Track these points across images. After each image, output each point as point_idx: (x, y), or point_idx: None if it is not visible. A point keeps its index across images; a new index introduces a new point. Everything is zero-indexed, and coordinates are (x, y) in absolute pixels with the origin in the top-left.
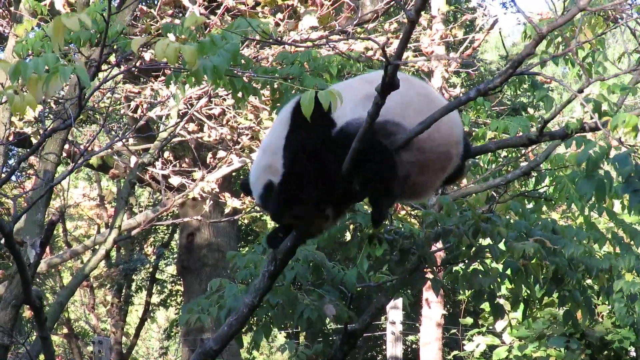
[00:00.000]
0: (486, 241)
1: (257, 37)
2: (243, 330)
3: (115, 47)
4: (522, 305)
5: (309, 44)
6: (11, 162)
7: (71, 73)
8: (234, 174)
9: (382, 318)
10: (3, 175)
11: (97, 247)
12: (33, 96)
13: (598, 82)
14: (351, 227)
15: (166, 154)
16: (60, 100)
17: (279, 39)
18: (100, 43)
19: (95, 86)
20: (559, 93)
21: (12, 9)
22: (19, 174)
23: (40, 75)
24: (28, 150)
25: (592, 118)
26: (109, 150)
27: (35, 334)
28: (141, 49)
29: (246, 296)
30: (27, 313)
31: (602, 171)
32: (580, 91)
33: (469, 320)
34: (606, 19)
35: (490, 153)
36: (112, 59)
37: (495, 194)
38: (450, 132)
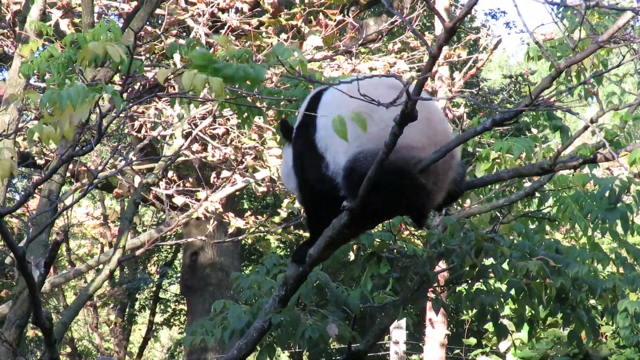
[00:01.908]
0: (489, 261)
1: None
2: None
3: (119, 67)
4: (526, 326)
5: (315, 65)
6: (15, 181)
7: (104, 95)
8: (237, 193)
9: (386, 338)
10: (8, 195)
11: (100, 266)
12: (66, 124)
13: (606, 108)
14: (355, 247)
15: (170, 174)
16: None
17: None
18: (124, 77)
19: (114, 114)
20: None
21: (17, 29)
22: (22, 192)
23: (73, 104)
24: (32, 170)
25: (606, 147)
26: (114, 170)
27: (39, 354)
28: (145, 69)
29: (257, 320)
30: (30, 333)
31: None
32: (593, 121)
33: (472, 340)
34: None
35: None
36: (117, 78)
37: (499, 215)
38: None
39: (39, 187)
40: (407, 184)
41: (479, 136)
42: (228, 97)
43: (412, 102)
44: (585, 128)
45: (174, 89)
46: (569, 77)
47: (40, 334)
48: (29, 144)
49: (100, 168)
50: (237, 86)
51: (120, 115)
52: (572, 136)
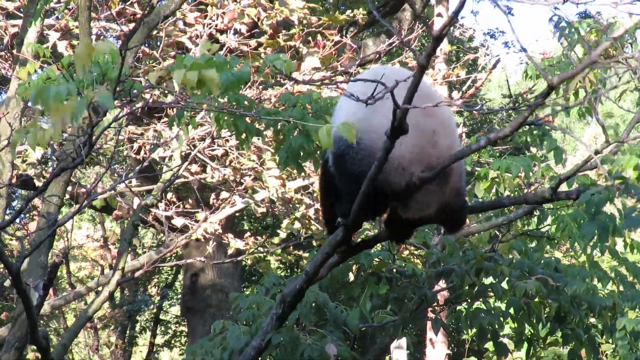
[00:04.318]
0: (489, 280)
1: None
2: None
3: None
4: (526, 345)
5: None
6: (15, 204)
7: (93, 100)
8: (237, 214)
9: (387, 358)
10: (7, 218)
11: (100, 288)
12: (57, 122)
13: (611, 140)
14: (354, 267)
15: (169, 195)
16: (64, 142)
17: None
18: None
19: (105, 126)
20: (563, 135)
21: (14, 51)
22: (23, 215)
23: (62, 102)
24: (32, 192)
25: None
26: (113, 191)
27: None
28: (145, 90)
29: (254, 339)
30: (30, 355)
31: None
32: (597, 152)
33: (473, 359)
34: (607, 57)
35: (494, 194)
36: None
37: (498, 233)
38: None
39: (38, 209)
40: (394, 206)
41: (477, 155)
42: (226, 118)
43: (401, 111)
44: (587, 161)
45: (173, 111)
46: (567, 96)
47: (40, 356)
48: (12, 154)
49: (93, 186)
50: (234, 107)
51: (115, 132)
52: (574, 167)
